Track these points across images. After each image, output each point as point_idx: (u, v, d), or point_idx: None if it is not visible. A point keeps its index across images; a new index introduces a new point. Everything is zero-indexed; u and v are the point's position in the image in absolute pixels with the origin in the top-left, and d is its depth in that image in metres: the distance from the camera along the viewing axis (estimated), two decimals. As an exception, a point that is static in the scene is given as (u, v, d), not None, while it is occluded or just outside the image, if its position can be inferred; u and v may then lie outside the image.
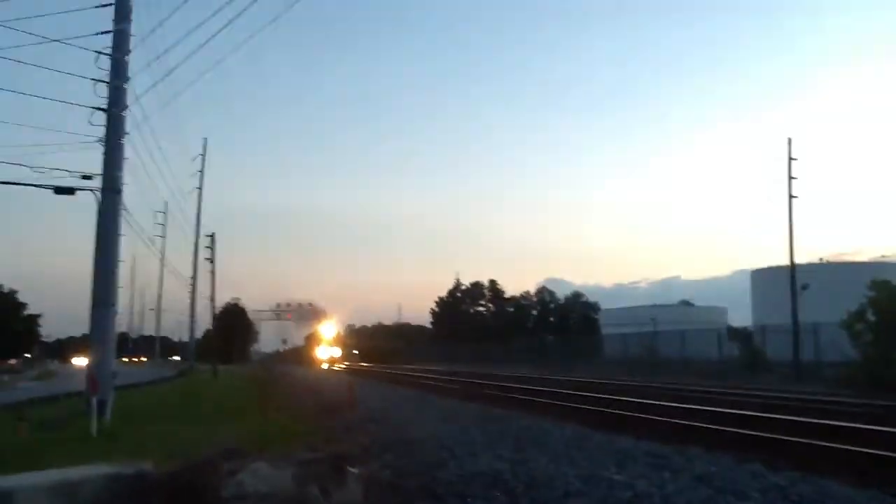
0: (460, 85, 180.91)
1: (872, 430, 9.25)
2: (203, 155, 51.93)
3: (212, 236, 51.65)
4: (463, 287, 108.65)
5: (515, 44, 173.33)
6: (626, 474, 7.01)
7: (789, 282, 37.09)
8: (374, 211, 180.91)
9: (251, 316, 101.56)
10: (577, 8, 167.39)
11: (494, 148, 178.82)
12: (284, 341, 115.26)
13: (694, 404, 13.91)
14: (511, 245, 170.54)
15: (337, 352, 77.30)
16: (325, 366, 63.83)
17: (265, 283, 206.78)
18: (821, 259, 55.94)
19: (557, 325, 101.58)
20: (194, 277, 54.13)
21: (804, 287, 37.90)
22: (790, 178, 37.52)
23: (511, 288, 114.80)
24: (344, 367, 62.98)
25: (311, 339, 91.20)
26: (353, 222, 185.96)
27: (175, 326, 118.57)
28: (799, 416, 11.53)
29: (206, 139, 52.89)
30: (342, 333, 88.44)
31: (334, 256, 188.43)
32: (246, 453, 7.67)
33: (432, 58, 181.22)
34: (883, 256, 58.31)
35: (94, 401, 13.64)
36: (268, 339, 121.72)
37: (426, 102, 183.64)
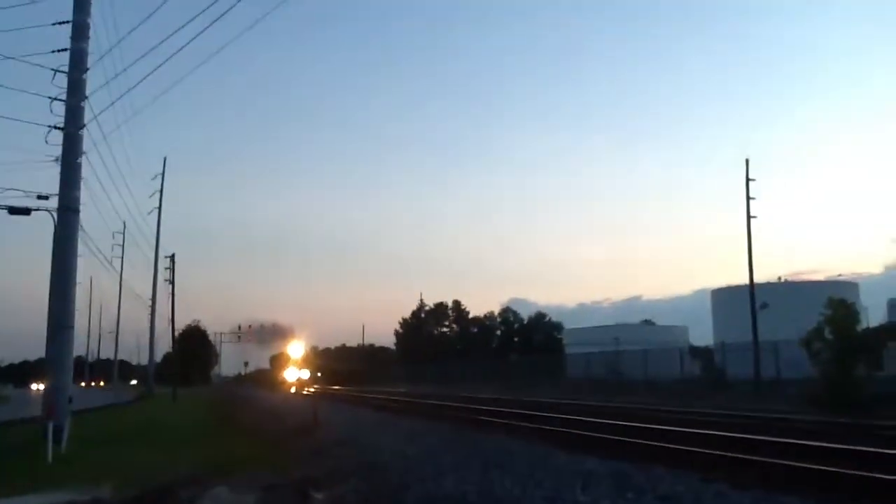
0: (426, 104, 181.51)
1: (833, 448, 9.35)
2: (163, 174, 51.46)
3: (172, 257, 51.06)
4: (427, 308, 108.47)
5: (485, 63, 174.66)
6: (591, 495, 7.00)
7: (749, 301, 37.61)
8: (338, 232, 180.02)
9: (212, 338, 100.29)
10: (556, 32, 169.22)
11: (459, 169, 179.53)
12: (246, 364, 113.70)
13: (657, 424, 13.97)
14: (475, 266, 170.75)
15: (305, 374, 72.27)
16: (292, 389, 59.79)
17: (226, 305, 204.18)
18: (779, 278, 56.85)
19: (521, 344, 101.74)
20: (153, 299, 53.38)
21: (763, 306, 38.46)
22: (748, 198, 38.15)
23: (475, 309, 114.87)
24: (312, 391, 59.00)
25: (277, 361, 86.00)
26: (315, 243, 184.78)
27: (134, 349, 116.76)
28: (761, 434, 11.63)
29: (165, 158, 52.46)
30: (311, 354, 79.08)
31: (297, 278, 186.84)
32: (206, 479, 7.53)
33: (398, 75, 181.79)
34: (839, 275, 59.50)
35: (50, 427, 13.33)
36: (229, 362, 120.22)
37: (391, 122, 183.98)
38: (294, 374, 64.01)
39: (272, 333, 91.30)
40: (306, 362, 71.75)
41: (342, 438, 13.98)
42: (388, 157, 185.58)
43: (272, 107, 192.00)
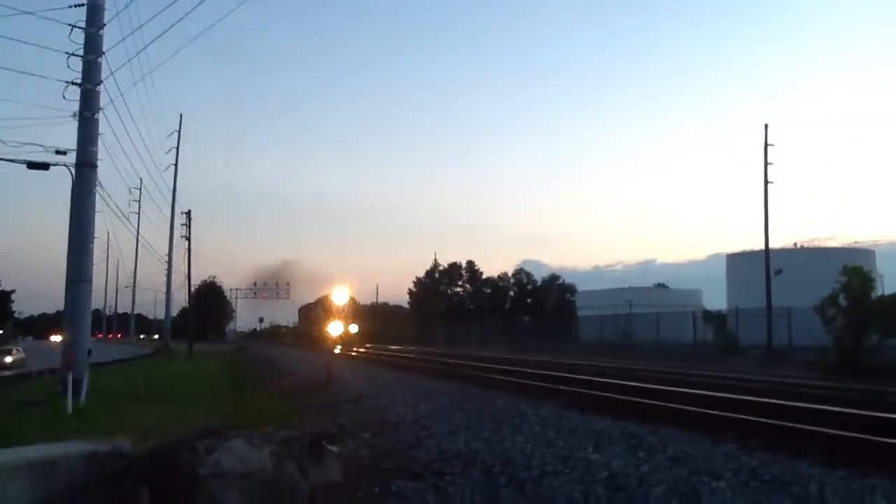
0: (442, 69, 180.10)
1: (843, 412, 9.40)
2: (179, 131, 51.57)
3: (188, 213, 51.33)
4: (441, 268, 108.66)
5: (496, 29, 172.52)
6: (603, 454, 7.10)
7: (764, 266, 37.48)
8: (352, 191, 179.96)
9: (227, 294, 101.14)
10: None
11: (474, 131, 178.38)
12: (261, 320, 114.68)
13: (668, 386, 14.05)
14: (489, 226, 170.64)
15: (354, 328, 54.53)
16: (336, 349, 44.51)
17: (241, 262, 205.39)
18: (795, 244, 56.58)
19: (534, 306, 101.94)
20: (170, 255, 53.99)
21: (778, 272, 38.32)
22: (766, 163, 37.84)
23: (489, 269, 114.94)
24: (362, 350, 43.97)
25: (310, 312, 65.84)
26: (331, 203, 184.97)
27: (150, 304, 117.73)
28: (771, 398, 11.68)
29: (181, 115, 52.51)
30: (356, 304, 60.25)
31: (313, 237, 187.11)
32: (222, 432, 7.66)
33: (418, 42, 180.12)
34: (856, 242, 59.18)
35: (70, 378, 13.57)
36: (244, 318, 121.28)
37: (407, 84, 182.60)
38: (338, 328, 52.71)
39: (285, 271, 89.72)
40: (352, 314, 56.56)
41: (355, 396, 14.14)
42: (406, 120, 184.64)
43: (290, 66, 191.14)
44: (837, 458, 6.60)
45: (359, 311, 63.50)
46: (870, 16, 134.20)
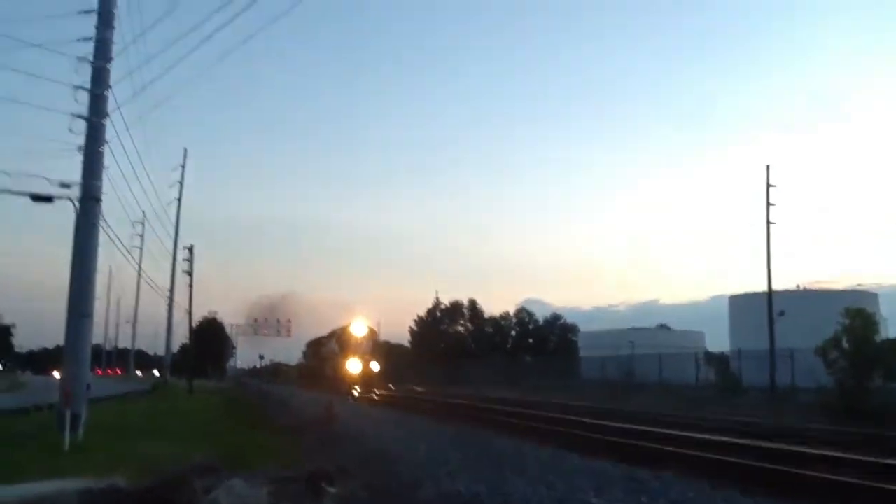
0: (443, 102, 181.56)
1: (845, 457, 9.32)
2: (183, 166, 51.71)
3: (190, 248, 51.35)
4: (442, 306, 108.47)
5: (501, 60, 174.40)
6: (604, 498, 7.02)
7: (766, 308, 37.39)
8: (355, 226, 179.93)
9: (228, 331, 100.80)
10: (564, 30, 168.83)
11: (477, 167, 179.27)
12: (261, 357, 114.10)
13: (670, 429, 13.95)
14: (491, 264, 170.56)
15: (375, 366, 46.76)
16: (355, 391, 39.34)
17: (243, 298, 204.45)
18: (798, 286, 56.44)
19: (536, 345, 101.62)
20: (171, 290, 53.71)
21: (781, 313, 38.23)
22: (768, 204, 37.94)
23: (490, 308, 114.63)
24: (382, 393, 39.71)
25: (323, 347, 57.48)
26: (333, 239, 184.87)
27: (151, 340, 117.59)
28: (773, 442, 11.60)
29: (186, 149, 52.65)
30: (376, 338, 52.29)
31: (314, 273, 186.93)
32: (221, 470, 7.60)
33: (419, 73, 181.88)
34: (859, 285, 59.04)
35: (68, 414, 13.48)
36: (244, 354, 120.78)
37: (409, 118, 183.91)
38: (356, 366, 44.44)
39: (285, 306, 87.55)
40: (375, 350, 48.09)
41: (355, 434, 14.05)
42: (407, 155, 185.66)
43: (295, 101, 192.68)
44: (837, 502, 6.55)
45: (381, 347, 54.66)
46: (873, 59, 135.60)
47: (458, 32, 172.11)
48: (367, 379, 44.85)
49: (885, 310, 47.12)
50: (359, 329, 48.03)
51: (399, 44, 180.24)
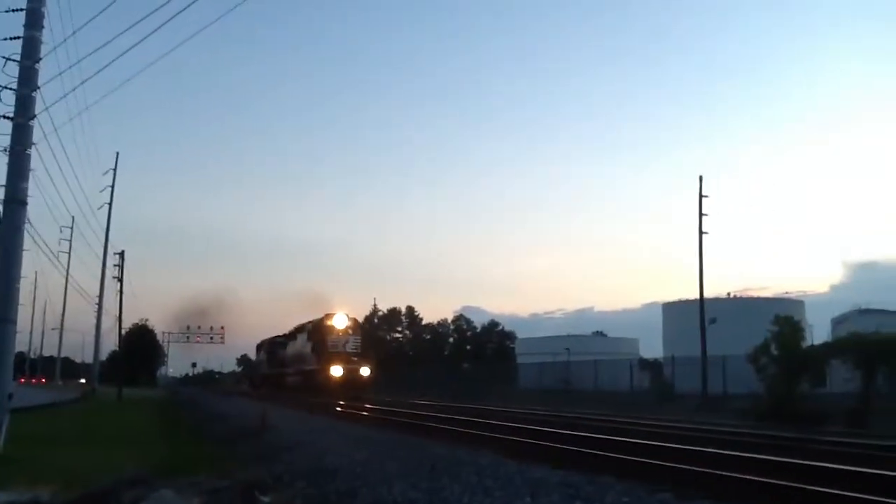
0: (379, 108, 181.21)
1: (776, 461, 9.52)
2: (114, 169, 50.47)
3: (121, 254, 50.14)
4: (380, 313, 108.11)
5: (444, 74, 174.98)
6: (539, 503, 7.02)
7: (699, 315, 38.20)
8: (290, 234, 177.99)
9: (159, 338, 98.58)
10: (502, 45, 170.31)
11: (414, 175, 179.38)
12: (194, 365, 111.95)
13: (605, 434, 14.08)
14: (429, 272, 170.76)
15: (366, 371, 37.74)
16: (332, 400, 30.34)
17: (174, 306, 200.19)
18: (728, 294, 57.86)
19: (474, 352, 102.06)
20: (101, 296, 52.42)
21: (712, 321, 39.11)
22: (701, 214, 38.80)
23: (428, 315, 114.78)
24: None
25: (283, 348, 49.01)
26: (267, 245, 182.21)
27: (78, 347, 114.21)
28: (706, 446, 11.79)
29: (117, 153, 51.44)
30: (365, 332, 44.37)
31: (249, 281, 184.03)
32: (150, 481, 7.37)
33: (352, 78, 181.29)
34: (786, 293, 60.85)
35: (-12, 424, 12.95)
36: (176, 362, 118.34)
37: (344, 124, 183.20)
38: (338, 370, 35.64)
39: (218, 313, 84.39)
40: (364, 347, 38.88)
41: (289, 443, 13.83)
42: (344, 161, 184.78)
43: (226, 106, 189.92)
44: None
45: (370, 345, 45.77)
46: (808, 67, 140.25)
47: (382, 39, 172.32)
48: (353, 385, 35.88)
49: (810, 317, 48.68)
50: (340, 321, 38.64)
51: (328, 47, 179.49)
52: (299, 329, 44.99)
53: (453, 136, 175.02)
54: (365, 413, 23.60)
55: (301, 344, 43.44)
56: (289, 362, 46.49)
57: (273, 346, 53.21)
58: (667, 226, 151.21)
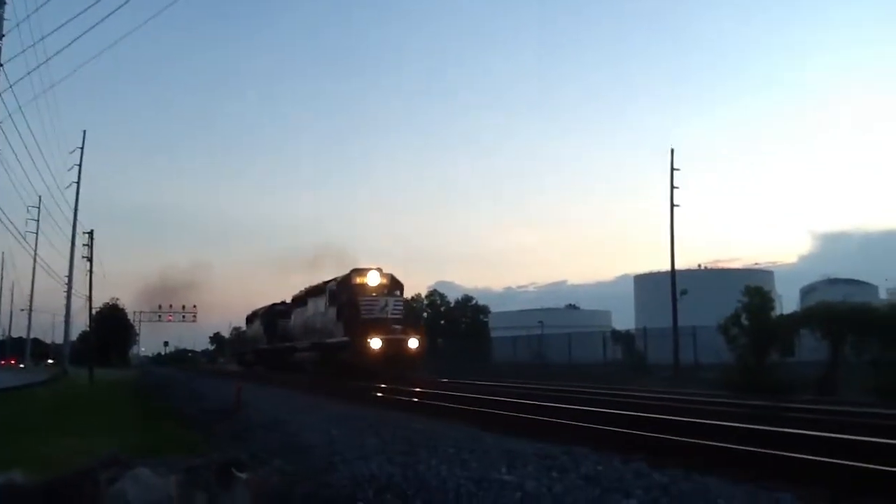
0: (350, 84, 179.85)
1: (747, 428, 9.70)
2: (82, 148, 49.71)
3: (90, 234, 49.52)
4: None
5: (413, 47, 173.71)
6: (517, 475, 7.10)
7: (670, 287, 38.61)
8: (262, 212, 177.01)
9: (131, 318, 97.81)
10: (473, 22, 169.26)
11: (386, 149, 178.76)
12: (166, 343, 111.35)
13: (580, 405, 14.25)
14: (402, 247, 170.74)
15: (413, 343, 29.47)
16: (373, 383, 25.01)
17: (145, 285, 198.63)
18: (699, 265, 58.51)
19: (448, 327, 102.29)
20: (70, 276, 51.79)
21: (683, 292, 39.54)
22: (672, 187, 39.08)
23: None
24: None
25: (284, 316, 42.59)
26: (240, 225, 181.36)
27: (49, 328, 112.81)
28: (679, 416, 11.97)
29: (84, 132, 50.64)
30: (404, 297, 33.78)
31: (221, 257, 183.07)
32: (127, 461, 7.33)
33: (323, 54, 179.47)
34: (756, 264, 61.63)
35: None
36: (149, 341, 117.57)
37: (315, 101, 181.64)
38: (377, 342, 27.70)
39: (189, 292, 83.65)
40: (407, 313, 31.82)
41: (266, 421, 13.82)
42: (315, 138, 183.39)
43: (196, 83, 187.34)
44: (744, 472, 6.80)
45: (414, 311, 39.06)
46: (779, 43, 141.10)
47: (354, 18, 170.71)
48: (397, 361, 28.14)
49: (779, 287, 49.42)
50: (373, 278, 30.60)
51: (299, 23, 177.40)
52: (312, 292, 36.52)
53: (423, 111, 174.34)
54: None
55: (317, 310, 34.87)
56: (298, 334, 38.45)
57: (272, 316, 45.78)
58: (639, 199, 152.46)
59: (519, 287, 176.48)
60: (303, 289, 38.86)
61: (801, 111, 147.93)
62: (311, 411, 15.30)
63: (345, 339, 29.67)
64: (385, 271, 31.28)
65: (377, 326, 28.47)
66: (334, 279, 32.98)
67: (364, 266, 31.50)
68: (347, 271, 31.82)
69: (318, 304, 34.78)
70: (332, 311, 32.10)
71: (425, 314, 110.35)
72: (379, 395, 20.14)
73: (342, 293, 31.34)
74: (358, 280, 30.98)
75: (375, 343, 27.83)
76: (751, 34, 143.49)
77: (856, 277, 53.66)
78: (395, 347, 28.16)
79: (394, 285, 31.34)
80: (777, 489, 6.21)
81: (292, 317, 40.87)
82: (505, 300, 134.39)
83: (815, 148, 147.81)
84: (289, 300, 42.85)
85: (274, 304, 46.85)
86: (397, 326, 29.16)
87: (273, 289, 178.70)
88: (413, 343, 28.89)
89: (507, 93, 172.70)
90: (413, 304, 33.92)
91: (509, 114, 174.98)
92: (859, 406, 14.95)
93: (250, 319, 55.88)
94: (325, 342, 32.35)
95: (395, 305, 30.22)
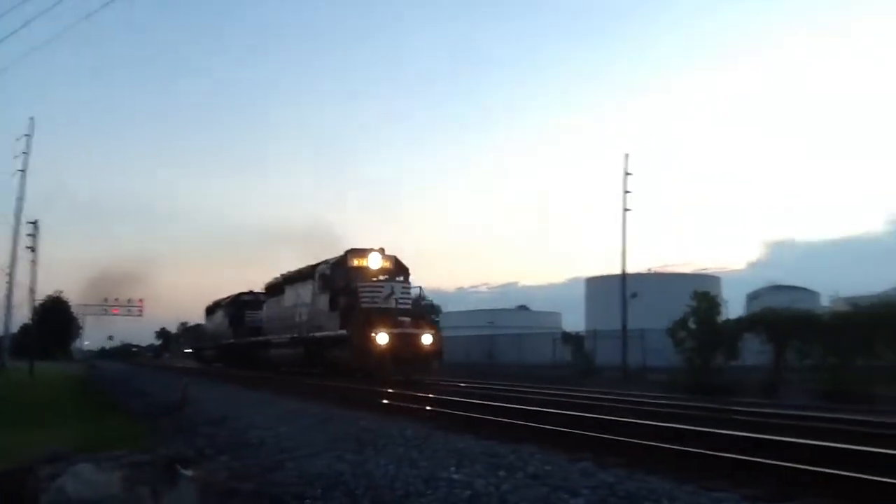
0: (290, 79, 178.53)
1: (692, 430, 9.87)
2: (28, 136, 48.41)
3: (35, 223, 48.35)
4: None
5: (341, 38, 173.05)
6: (465, 474, 7.13)
7: (620, 290, 39.05)
8: (212, 203, 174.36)
9: (75, 310, 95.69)
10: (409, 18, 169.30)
11: (338, 149, 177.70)
12: (111, 338, 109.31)
13: (528, 405, 14.34)
14: (356, 246, 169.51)
15: (427, 339, 24.76)
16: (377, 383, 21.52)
17: (91, 278, 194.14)
18: (649, 269, 59.27)
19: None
20: (12, 267, 50.40)
21: (633, 295, 40.02)
22: (625, 192, 39.51)
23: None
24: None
25: (259, 307, 38.18)
26: (187, 218, 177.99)
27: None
28: (626, 416, 12.13)
29: (32, 119, 49.31)
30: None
31: (170, 251, 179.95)
32: (69, 456, 7.19)
33: (263, 47, 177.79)
34: (703, 269, 62.72)
35: None
36: (93, 335, 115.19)
37: (258, 93, 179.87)
38: (384, 337, 23.19)
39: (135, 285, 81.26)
40: (421, 304, 28.22)
41: (213, 417, 13.67)
42: (268, 133, 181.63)
43: (146, 73, 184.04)
44: (687, 473, 6.93)
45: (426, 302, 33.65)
46: (725, 52, 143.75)
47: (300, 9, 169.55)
48: (410, 360, 23.81)
49: (727, 293, 50.31)
50: (375, 260, 26.30)
51: (248, 18, 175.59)
52: (292, 278, 31.78)
53: (377, 111, 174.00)
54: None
55: (298, 300, 30.19)
56: (273, 327, 33.76)
57: (239, 307, 41.30)
58: (592, 202, 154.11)
59: (471, 287, 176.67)
60: (278, 275, 34.46)
61: (757, 118, 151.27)
62: (256, 406, 15.17)
63: (341, 332, 25.06)
64: (388, 252, 27.04)
65: (382, 318, 23.75)
66: (325, 261, 28.23)
67: (362, 247, 26.95)
68: (341, 252, 27.32)
69: (301, 293, 30.12)
70: (323, 300, 27.31)
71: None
72: (326, 392, 19.98)
73: (337, 278, 26.55)
74: (356, 262, 26.54)
75: (382, 338, 23.22)
76: (703, 39, 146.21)
77: (800, 284, 54.82)
78: (405, 344, 23.73)
79: (398, 269, 26.86)
80: (719, 489, 6.34)
81: (265, 307, 36.77)
82: (457, 300, 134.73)
83: (768, 159, 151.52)
84: (258, 290, 39.69)
85: (241, 294, 42.65)
86: (406, 318, 24.62)
87: (225, 283, 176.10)
88: (427, 338, 24.51)
89: (458, 93, 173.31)
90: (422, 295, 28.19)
91: (461, 115, 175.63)
92: (802, 409, 15.33)
93: (211, 311, 50.82)
94: (311, 336, 27.89)
95: (403, 293, 25.54)
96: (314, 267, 29.04)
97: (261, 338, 35.53)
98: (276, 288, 34.40)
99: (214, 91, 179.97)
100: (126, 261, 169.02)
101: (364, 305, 24.47)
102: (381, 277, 25.66)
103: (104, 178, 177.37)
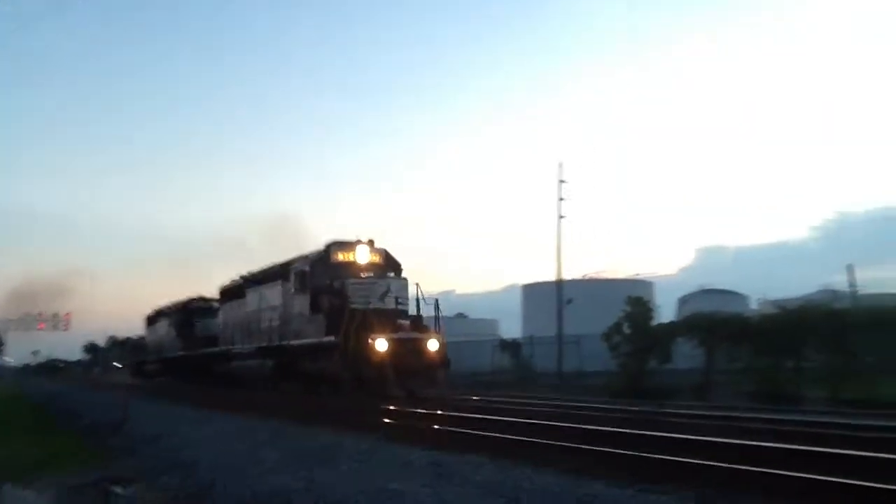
0: (243, 82, 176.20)
1: (628, 433, 10.09)
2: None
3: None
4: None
5: (313, 40, 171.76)
6: (406, 484, 7.16)
7: (556, 296, 39.53)
8: (144, 213, 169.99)
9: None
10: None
11: (283, 152, 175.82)
12: (36, 353, 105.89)
13: (472, 413, 14.41)
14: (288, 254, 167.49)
15: (433, 345, 20.65)
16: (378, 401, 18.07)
17: (14, 288, 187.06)
18: (584, 275, 60.08)
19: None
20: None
21: (569, 301, 40.54)
22: (560, 199, 40.05)
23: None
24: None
25: (214, 314, 33.61)
26: (115, 226, 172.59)
27: None
28: (563, 421, 12.29)
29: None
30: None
31: (99, 264, 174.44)
32: (3, 479, 6.98)
33: (210, 50, 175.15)
34: (637, 274, 63.85)
35: None
36: (16, 350, 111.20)
37: (208, 95, 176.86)
38: (383, 344, 19.58)
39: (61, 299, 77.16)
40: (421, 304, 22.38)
41: (155, 436, 13.38)
42: (203, 135, 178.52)
43: (73, 79, 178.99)
44: (634, 477, 7.09)
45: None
46: (663, 61, 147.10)
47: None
48: (413, 370, 20.29)
49: (659, 297, 51.35)
50: (363, 254, 22.80)
51: (184, 20, 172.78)
52: (255, 280, 27.48)
53: (330, 113, 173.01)
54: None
55: (264, 303, 26.13)
56: (233, 336, 29.33)
57: (188, 315, 36.77)
58: (528, 209, 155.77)
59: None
60: (237, 277, 29.79)
61: (690, 126, 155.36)
62: (202, 423, 14.84)
63: (328, 339, 20.90)
64: (376, 244, 23.24)
65: (380, 321, 20.19)
66: (302, 257, 23.72)
67: (345, 239, 22.95)
68: (321, 246, 23.35)
69: (268, 295, 25.81)
70: (301, 302, 23.01)
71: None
72: (264, 408, 19.55)
73: (319, 275, 22.39)
74: (340, 256, 22.59)
75: (381, 345, 19.63)
76: (641, 43, 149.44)
77: (730, 288, 56.36)
78: (407, 351, 20.19)
79: (389, 264, 23.14)
80: (658, 492, 6.50)
81: (221, 314, 31.88)
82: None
83: (700, 167, 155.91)
84: (210, 296, 35.10)
85: (190, 300, 37.78)
86: (405, 322, 21.35)
87: (160, 296, 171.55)
88: (433, 344, 20.96)
89: (399, 100, 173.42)
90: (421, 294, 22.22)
91: (402, 120, 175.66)
92: (733, 410, 15.76)
93: (152, 320, 45.09)
94: (284, 345, 23.75)
95: (400, 291, 21.60)
96: (285, 265, 24.59)
97: (217, 349, 30.98)
98: (235, 291, 29.60)
99: (146, 100, 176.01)
100: (50, 274, 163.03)
101: (355, 307, 20.38)
102: (371, 273, 21.88)
103: (29, 187, 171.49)
